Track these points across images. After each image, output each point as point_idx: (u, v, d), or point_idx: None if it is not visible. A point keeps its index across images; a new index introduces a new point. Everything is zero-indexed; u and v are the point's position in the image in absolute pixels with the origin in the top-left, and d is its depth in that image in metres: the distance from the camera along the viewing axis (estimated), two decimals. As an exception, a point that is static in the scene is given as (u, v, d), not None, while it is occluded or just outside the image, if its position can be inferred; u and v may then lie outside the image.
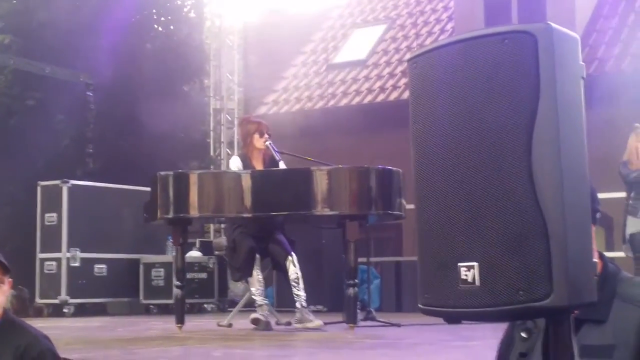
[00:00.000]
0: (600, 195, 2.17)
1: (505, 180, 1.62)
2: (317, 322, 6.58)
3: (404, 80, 13.08)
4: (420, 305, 1.75)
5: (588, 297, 1.58)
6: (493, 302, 1.59)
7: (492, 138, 1.65)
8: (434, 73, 1.81)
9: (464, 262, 1.64)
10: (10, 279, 3.63)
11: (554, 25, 1.67)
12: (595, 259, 1.87)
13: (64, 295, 10.07)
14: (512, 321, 2.04)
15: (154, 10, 14.52)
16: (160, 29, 14.67)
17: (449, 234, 1.69)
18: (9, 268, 3.56)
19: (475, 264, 1.62)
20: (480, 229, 1.63)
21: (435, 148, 1.78)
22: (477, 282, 1.61)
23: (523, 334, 2.00)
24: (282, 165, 6.93)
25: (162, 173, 6.61)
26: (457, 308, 1.66)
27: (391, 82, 13.54)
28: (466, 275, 1.63)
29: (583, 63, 1.73)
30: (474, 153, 1.68)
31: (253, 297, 6.89)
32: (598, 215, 2.08)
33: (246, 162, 6.96)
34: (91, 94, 11.99)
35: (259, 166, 6.96)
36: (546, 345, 1.67)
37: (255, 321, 6.74)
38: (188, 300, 9.21)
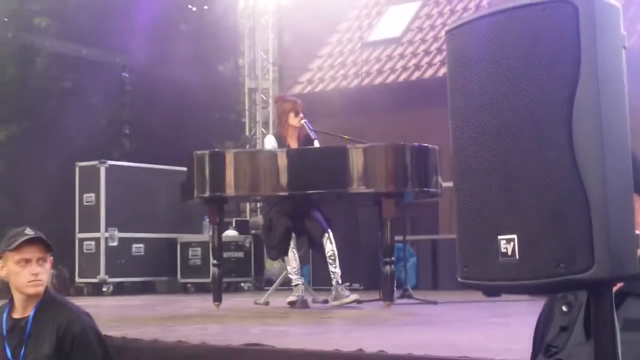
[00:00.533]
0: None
1: (545, 152, 1.60)
2: (353, 296, 6.60)
3: (439, 58, 12.99)
4: (459, 279, 1.74)
5: (631, 269, 1.56)
6: (533, 274, 1.57)
7: (531, 110, 1.64)
8: (472, 45, 1.79)
9: (503, 235, 1.63)
10: (51, 258, 3.69)
11: (594, -6, 1.64)
12: (638, 231, 1.85)
13: (102, 275, 10.20)
14: (552, 294, 2.02)
15: (188, -9, 14.55)
16: (194, 9, 14.70)
17: (487, 207, 1.68)
18: (51, 246, 3.62)
19: (514, 236, 1.61)
20: (519, 202, 1.62)
21: (473, 122, 1.76)
22: (517, 255, 1.60)
23: (564, 308, 1.98)
24: (317, 144, 6.93)
25: (198, 152, 6.65)
26: (496, 281, 1.65)
27: (426, 59, 13.45)
28: (506, 248, 1.62)
29: (625, 33, 1.70)
30: (513, 126, 1.66)
31: (289, 275, 6.92)
32: None
33: (281, 141, 6.98)
34: (127, 75, 12.07)
35: (294, 145, 6.97)
36: (587, 318, 1.65)
37: (291, 304, 6.77)
38: (225, 279, 9.26)
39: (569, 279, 1.53)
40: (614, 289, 1.75)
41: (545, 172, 1.59)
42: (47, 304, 3.64)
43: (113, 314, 6.80)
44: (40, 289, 3.62)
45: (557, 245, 1.55)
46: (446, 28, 1.85)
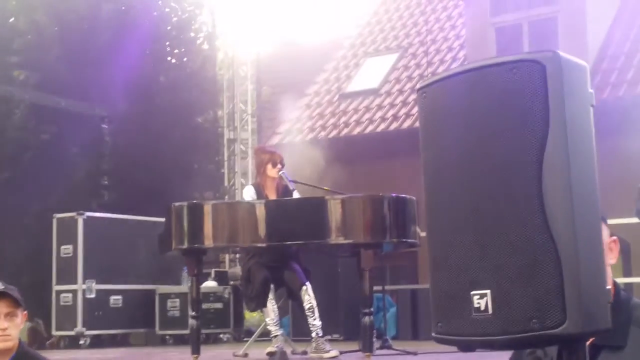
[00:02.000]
0: (617, 221, 2.19)
1: (516, 208, 1.62)
2: (333, 352, 6.55)
3: (416, 109, 13.08)
4: (433, 334, 1.75)
5: (602, 324, 1.58)
6: (506, 330, 1.59)
7: (502, 166, 1.66)
8: (443, 102, 1.82)
9: (476, 290, 1.64)
10: (24, 312, 3.65)
11: (561, 53, 1.68)
12: (609, 286, 1.87)
13: (80, 327, 10.08)
14: (523, 349, 2.03)
15: (167, 43, 14.67)
16: (173, 61, 14.81)
17: (461, 262, 1.70)
18: (20, 302, 3.58)
19: (487, 292, 1.63)
20: (492, 258, 1.64)
21: (445, 177, 1.79)
22: (490, 311, 1.61)
23: (532, 362, 1.99)
24: (295, 195, 6.94)
25: (177, 204, 6.62)
26: (470, 336, 1.66)
27: (404, 110, 13.56)
28: (479, 303, 1.63)
29: (592, 91, 1.74)
30: (485, 182, 1.69)
31: (268, 327, 6.87)
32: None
33: (260, 192, 6.98)
34: (106, 127, 12.08)
35: (272, 196, 6.98)
36: (561, 373, 1.66)
37: (270, 355, 6.72)
38: (204, 331, 9.20)
39: (541, 334, 1.54)
40: (588, 342, 1.76)
41: (516, 228, 1.61)
42: (20, 358, 3.59)
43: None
44: (9, 344, 3.57)
45: (530, 301, 1.56)
46: (417, 86, 1.88)
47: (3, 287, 3.56)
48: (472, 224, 1.70)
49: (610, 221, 2.20)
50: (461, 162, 1.74)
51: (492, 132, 1.69)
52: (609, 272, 2.04)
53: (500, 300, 1.60)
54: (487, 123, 1.71)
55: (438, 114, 1.84)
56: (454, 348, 1.78)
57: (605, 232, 2.09)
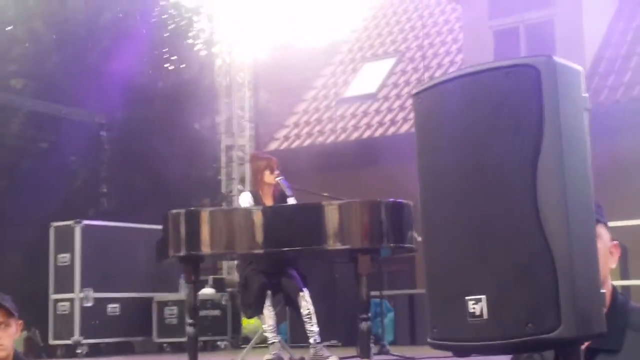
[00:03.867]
0: (615, 224, 2.18)
1: (511, 213, 1.62)
2: (332, 358, 6.54)
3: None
4: (429, 340, 1.74)
5: (597, 328, 1.58)
6: (502, 335, 1.58)
7: (497, 170, 1.66)
8: (438, 107, 1.82)
9: (471, 295, 1.64)
10: (20, 321, 3.64)
11: (556, 58, 1.68)
12: (605, 290, 1.86)
13: (77, 336, 10.05)
14: (518, 354, 2.03)
15: (165, 50, 14.67)
16: (171, 67, 14.81)
17: (456, 267, 1.70)
18: (12, 312, 3.56)
19: (483, 297, 1.62)
20: (487, 263, 1.63)
21: (441, 181, 1.79)
22: (485, 316, 1.61)
23: (530, 367, 1.99)
24: (292, 201, 6.93)
25: (173, 211, 6.61)
26: (466, 341, 1.66)
27: (402, 114, 13.58)
28: (474, 308, 1.63)
29: (587, 95, 1.73)
30: (480, 186, 1.68)
31: (265, 333, 6.86)
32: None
33: (257, 198, 6.98)
34: (105, 134, 12.08)
35: (269, 202, 6.97)
36: (558, 377, 1.65)
37: (268, 362, 6.70)
38: (201, 338, 9.17)
39: (536, 339, 1.54)
40: (584, 346, 1.76)
41: (511, 232, 1.61)
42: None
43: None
44: (3, 354, 3.56)
45: (525, 305, 1.56)
46: (412, 91, 1.88)
47: None
48: (467, 229, 1.70)
49: (609, 224, 2.20)
50: (456, 167, 1.74)
51: (487, 136, 1.69)
52: (608, 276, 2.05)
53: (496, 305, 1.60)
54: (482, 128, 1.71)
55: (434, 119, 1.84)
56: (451, 354, 1.78)
57: (606, 236, 2.09)
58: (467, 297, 1.64)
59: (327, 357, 6.53)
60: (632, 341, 1.99)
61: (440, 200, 1.78)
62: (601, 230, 2.01)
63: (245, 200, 7.03)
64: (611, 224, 2.25)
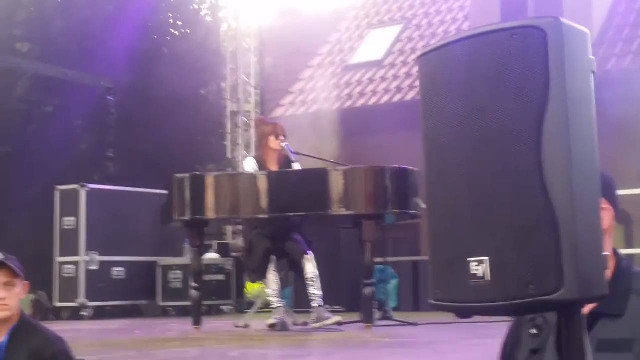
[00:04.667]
0: (619, 192, 2.17)
1: (515, 175, 1.61)
2: (334, 318, 6.58)
3: (420, 80, 13.04)
4: (431, 301, 1.75)
5: (599, 290, 1.58)
6: (503, 296, 1.58)
7: (501, 133, 1.65)
8: (443, 70, 1.81)
9: (474, 257, 1.64)
10: (26, 282, 3.65)
11: (563, 19, 1.66)
12: (608, 252, 1.86)
13: (82, 299, 10.13)
14: (522, 316, 2.03)
15: (170, 15, 14.60)
16: (176, 33, 14.75)
17: (459, 229, 1.69)
18: (18, 272, 3.58)
19: (485, 258, 1.62)
20: (490, 224, 1.63)
21: (445, 145, 1.78)
22: (488, 277, 1.61)
23: (533, 331, 1.99)
24: (297, 167, 6.94)
25: (179, 175, 6.64)
26: (467, 303, 1.66)
27: (408, 82, 13.52)
28: (476, 270, 1.62)
29: (593, 57, 1.72)
30: (484, 148, 1.68)
31: (269, 298, 6.90)
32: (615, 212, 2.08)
33: (261, 164, 6.99)
34: (112, 99, 12.06)
35: (273, 168, 6.98)
36: (559, 340, 1.66)
37: (271, 326, 6.75)
38: (205, 302, 9.24)
39: (538, 300, 1.54)
40: (587, 309, 1.76)
41: (515, 193, 1.61)
42: (21, 329, 3.60)
43: (92, 338, 6.75)
44: (8, 314, 3.57)
45: (527, 267, 1.56)
46: (418, 54, 1.87)
47: (3, 257, 3.56)
48: (470, 192, 1.69)
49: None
50: (461, 129, 1.73)
51: (492, 98, 1.68)
52: (608, 240, 2.04)
53: (498, 267, 1.60)
54: (486, 90, 1.69)
55: (438, 82, 1.82)
56: (454, 319, 1.79)
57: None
58: (469, 259, 1.64)
59: (330, 318, 6.58)
60: (636, 306, 1.98)
61: (444, 163, 1.78)
62: None
63: (249, 165, 7.05)
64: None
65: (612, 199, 2.08)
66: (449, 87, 1.78)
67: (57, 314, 10.38)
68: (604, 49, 11.53)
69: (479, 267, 1.62)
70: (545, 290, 1.53)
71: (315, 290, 6.66)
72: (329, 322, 6.53)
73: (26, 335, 3.58)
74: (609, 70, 11.12)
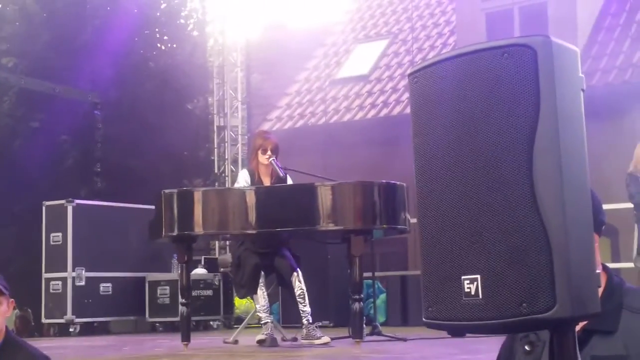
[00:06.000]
0: (605, 207, 2.18)
1: (506, 193, 1.62)
2: (324, 338, 6.56)
3: (407, 95, 13.07)
4: (424, 319, 1.75)
5: (592, 309, 1.58)
6: (496, 314, 1.59)
7: (493, 151, 1.66)
8: (434, 87, 1.81)
9: (466, 275, 1.64)
10: (11, 300, 3.64)
11: (553, 38, 1.68)
12: (599, 270, 1.87)
13: (69, 315, 10.07)
14: (514, 334, 2.04)
15: (157, 29, 14.60)
16: (163, 47, 14.75)
17: (451, 247, 1.70)
18: (3, 290, 3.56)
19: (478, 276, 1.62)
20: (482, 242, 1.64)
21: (436, 162, 1.79)
22: (480, 295, 1.61)
23: (526, 347, 2.00)
24: (289, 182, 6.94)
25: (167, 191, 6.62)
26: (460, 321, 1.66)
27: (394, 96, 13.57)
28: (469, 288, 1.63)
29: (583, 75, 1.73)
30: (476, 166, 1.68)
31: (258, 313, 6.88)
32: (603, 227, 2.09)
33: (253, 177, 6.99)
34: (98, 113, 12.04)
35: (266, 181, 6.98)
36: (552, 357, 1.67)
37: (260, 342, 6.73)
38: (194, 318, 9.20)
39: (531, 318, 1.54)
40: (580, 327, 1.77)
41: (507, 212, 1.61)
42: (6, 346, 3.58)
43: (80, 355, 6.71)
44: None
45: (520, 285, 1.56)
46: (408, 71, 1.88)
47: None
48: (462, 209, 1.70)
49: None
50: (452, 147, 1.74)
51: (482, 116, 1.69)
52: (597, 256, 2.05)
53: (491, 285, 1.60)
54: (477, 108, 1.70)
55: (429, 99, 1.83)
56: (444, 334, 1.79)
57: None
58: (462, 277, 1.65)
59: (320, 337, 6.56)
60: (628, 322, 1.99)
61: (436, 180, 1.78)
62: None
63: (242, 177, 7.07)
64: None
65: (596, 216, 2.09)
66: (440, 105, 1.79)
67: (45, 331, 10.31)
68: (589, 64, 11.61)
69: (472, 284, 1.63)
70: (538, 309, 1.53)
71: (304, 308, 6.65)
72: (318, 342, 6.53)
73: (10, 354, 3.55)
74: (594, 85, 11.20)
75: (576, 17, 12.04)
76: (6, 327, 3.66)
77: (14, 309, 3.69)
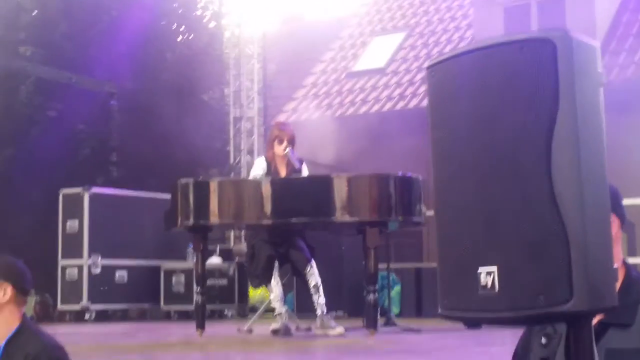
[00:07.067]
0: (623, 202, 2.19)
1: (524, 186, 1.63)
2: (339, 329, 6.58)
3: (423, 88, 13.08)
4: (440, 310, 1.76)
5: (609, 302, 1.59)
6: (513, 306, 1.60)
7: (511, 145, 1.67)
8: (452, 81, 1.82)
9: (483, 267, 1.65)
10: (10, 286, 3.62)
11: (572, 32, 1.68)
12: (619, 264, 1.87)
13: (85, 302, 10.14)
14: (530, 327, 2.05)
15: (173, 21, 14.63)
16: (179, 38, 14.78)
17: (468, 239, 1.71)
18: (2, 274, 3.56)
19: (494, 269, 1.63)
20: (499, 235, 1.64)
21: (454, 155, 1.79)
22: (497, 287, 1.62)
23: (543, 340, 2.00)
24: (305, 172, 6.96)
25: (183, 180, 6.65)
26: (476, 313, 1.67)
27: (410, 89, 13.54)
28: (486, 280, 1.64)
29: (602, 70, 1.73)
30: (493, 159, 1.69)
31: (272, 303, 6.91)
32: (624, 221, 2.10)
33: (270, 166, 7.02)
34: (115, 103, 12.09)
35: (282, 171, 7.00)
36: (568, 350, 1.68)
37: (274, 332, 6.76)
38: (209, 306, 9.24)
39: (548, 311, 1.55)
40: (596, 320, 1.78)
41: (524, 205, 1.62)
42: (20, 333, 3.59)
43: (95, 342, 6.76)
44: None
45: (537, 278, 1.57)
46: (426, 64, 1.88)
47: None
48: (480, 202, 1.71)
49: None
50: (469, 141, 1.74)
51: (500, 110, 1.69)
52: (617, 250, 2.06)
53: (507, 277, 1.61)
54: (495, 102, 1.71)
55: (447, 93, 1.84)
56: (458, 326, 1.80)
57: None
58: (479, 269, 1.66)
59: (334, 327, 6.59)
60: (646, 316, 2.00)
61: (453, 174, 1.79)
62: None
63: (259, 164, 7.10)
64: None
65: (617, 210, 2.10)
66: (458, 98, 1.80)
67: (60, 317, 10.39)
68: (607, 59, 11.55)
69: (488, 277, 1.64)
70: (555, 301, 1.54)
71: (318, 299, 6.67)
72: (333, 332, 6.55)
73: (24, 341, 3.55)
74: (612, 80, 11.14)
75: (594, 12, 11.97)
76: (24, 314, 3.67)
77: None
